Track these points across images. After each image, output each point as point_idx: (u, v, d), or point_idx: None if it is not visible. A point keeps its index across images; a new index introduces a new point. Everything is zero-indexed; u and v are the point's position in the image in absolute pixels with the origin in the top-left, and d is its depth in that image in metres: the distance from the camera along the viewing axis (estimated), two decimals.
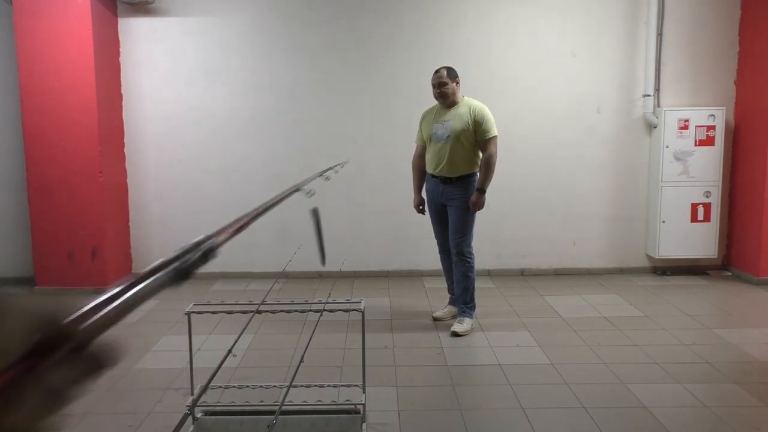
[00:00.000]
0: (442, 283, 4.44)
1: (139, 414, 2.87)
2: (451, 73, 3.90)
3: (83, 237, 4.95)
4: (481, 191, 3.86)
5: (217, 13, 5.26)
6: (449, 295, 4.30)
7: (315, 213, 1.57)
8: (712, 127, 5.25)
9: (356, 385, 2.75)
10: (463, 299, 4.04)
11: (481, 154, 3.91)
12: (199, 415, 2.59)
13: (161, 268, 0.67)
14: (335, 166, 2.65)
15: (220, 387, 2.95)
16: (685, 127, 5.25)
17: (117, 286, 0.60)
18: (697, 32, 5.31)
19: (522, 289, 5.06)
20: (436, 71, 3.93)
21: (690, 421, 2.77)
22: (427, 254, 5.18)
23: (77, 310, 0.53)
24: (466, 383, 3.21)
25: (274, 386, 2.79)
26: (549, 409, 2.90)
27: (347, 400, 2.71)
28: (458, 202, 3.92)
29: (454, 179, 3.91)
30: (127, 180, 5.41)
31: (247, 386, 2.84)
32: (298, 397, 2.81)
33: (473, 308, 4.06)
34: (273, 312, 2.52)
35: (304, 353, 2.35)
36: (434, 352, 3.64)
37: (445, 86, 3.86)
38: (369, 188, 5.44)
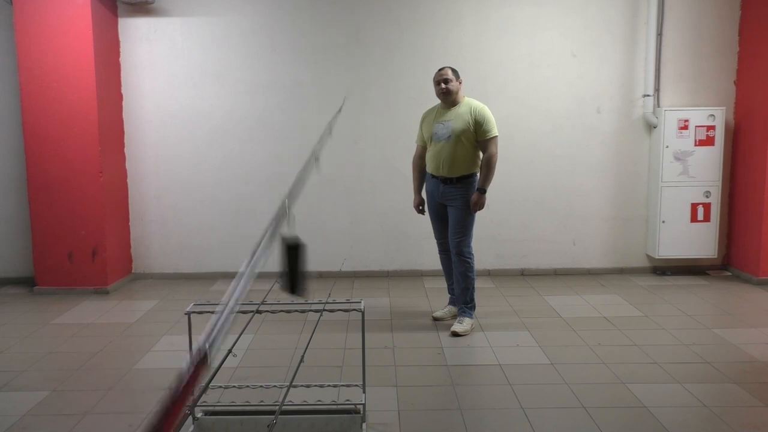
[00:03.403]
0: (442, 283, 4.44)
1: (139, 414, 2.87)
2: (456, 72, 3.91)
3: (83, 237, 4.96)
4: (482, 191, 3.86)
5: (217, 13, 5.26)
6: (449, 295, 4.30)
7: (289, 243, 1.42)
8: (712, 127, 5.26)
9: (356, 385, 2.76)
10: (463, 299, 4.04)
11: (481, 154, 3.91)
12: (199, 415, 2.59)
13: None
14: (336, 114, 2.85)
15: (220, 387, 2.96)
16: (685, 127, 5.25)
17: None
18: (697, 32, 5.31)
19: (522, 289, 5.06)
20: (440, 69, 3.93)
21: (690, 421, 2.77)
22: (427, 254, 5.18)
23: None
24: (466, 383, 3.20)
25: (274, 386, 2.79)
26: (549, 409, 2.90)
27: (347, 400, 2.71)
28: (458, 202, 3.92)
29: (455, 179, 3.91)
30: (128, 180, 5.41)
31: (247, 386, 2.84)
32: (298, 397, 2.81)
33: (473, 308, 4.06)
34: (273, 312, 2.52)
35: (304, 353, 2.36)
36: (434, 352, 3.64)
37: (450, 83, 3.86)
38: (369, 188, 5.44)
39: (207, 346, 0.98)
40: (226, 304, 1.13)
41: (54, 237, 4.95)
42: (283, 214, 1.51)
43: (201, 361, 0.94)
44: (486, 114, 3.86)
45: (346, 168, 5.41)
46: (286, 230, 1.48)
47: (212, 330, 1.03)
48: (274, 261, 1.48)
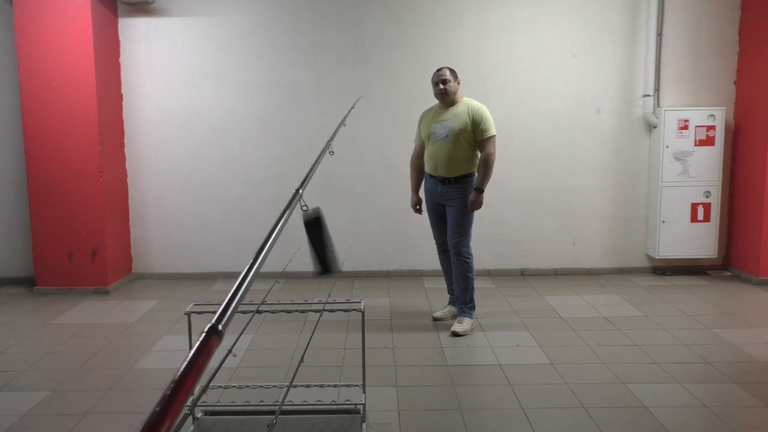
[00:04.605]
0: (442, 283, 4.44)
1: (139, 414, 2.87)
2: (454, 72, 3.91)
3: (83, 237, 4.95)
4: (480, 191, 3.86)
5: (217, 13, 5.26)
6: (449, 295, 4.30)
7: (312, 219, 1.51)
8: (712, 127, 5.26)
9: (356, 385, 2.75)
10: (462, 299, 4.04)
11: (479, 154, 3.91)
12: (199, 415, 2.59)
13: None
14: (353, 107, 2.92)
15: (220, 387, 2.96)
16: (685, 127, 5.25)
17: None
18: (697, 32, 5.31)
19: (522, 289, 5.06)
20: (439, 69, 3.93)
21: (690, 421, 2.77)
22: (427, 254, 5.18)
23: None
24: (466, 383, 3.21)
25: (274, 386, 2.79)
26: (549, 409, 2.90)
27: (347, 400, 2.71)
28: (457, 202, 3.92)
29: (453, 179, 3.91)
30: (128, 180, 5.41)
31: (247, 386, 2.84)
32: (298, 397, 2.81)
33: (473, 308, 4.06)
34: (273, 312, 2.53)
35: (304, 353, 2.36)
36: (434, 352, 3.64)
37: (447, 83, 3.86)
38: (369, 188, 5.44)
39: (220, 320, 0.98)
40: (245, 274, 1.13)
41: (54, 237, 4.95)
42: (296, 197, 1.56)
43: (213, 331, 0.94)
44: (484, 113, 3.86)
45: (346, 168, 5.40)
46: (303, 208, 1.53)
47: (228, 301, 1.04)
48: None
